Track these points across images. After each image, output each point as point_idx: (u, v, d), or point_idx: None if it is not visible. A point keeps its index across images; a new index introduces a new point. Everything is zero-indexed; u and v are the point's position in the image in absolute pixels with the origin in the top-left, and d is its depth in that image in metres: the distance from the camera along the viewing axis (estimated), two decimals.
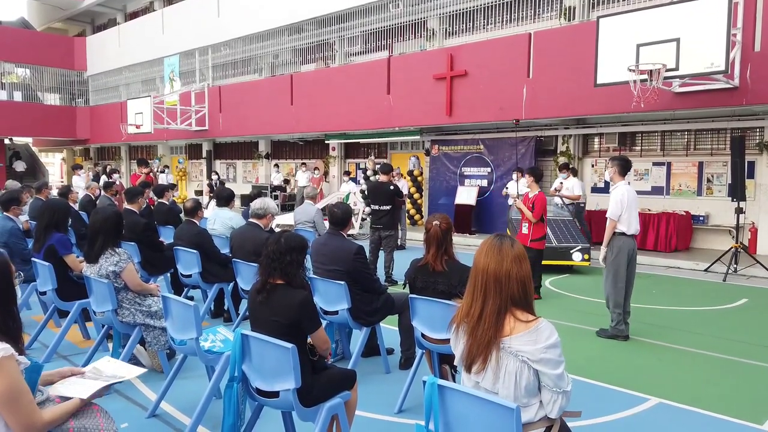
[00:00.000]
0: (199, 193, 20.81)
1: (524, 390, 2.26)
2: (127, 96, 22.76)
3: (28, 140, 30.08)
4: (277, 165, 19.66)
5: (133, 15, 25.70)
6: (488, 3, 13.49)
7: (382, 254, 8.50)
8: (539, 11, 13.07)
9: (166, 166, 19.65)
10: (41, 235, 4.93)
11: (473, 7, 13.82)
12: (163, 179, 18.63)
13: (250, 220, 5.21)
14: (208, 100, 19.44)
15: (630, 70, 8.47)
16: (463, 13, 14.10)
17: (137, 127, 18.51)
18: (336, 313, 4.54)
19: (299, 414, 2.85)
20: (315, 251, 4.70)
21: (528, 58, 12.02)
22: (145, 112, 18.36)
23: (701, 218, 11.37)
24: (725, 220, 10.89)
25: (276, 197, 18.08)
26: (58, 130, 25.68)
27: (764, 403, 4.24)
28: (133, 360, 4.63)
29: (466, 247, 12.59)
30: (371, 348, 4.84)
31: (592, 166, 13.15)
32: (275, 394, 2.86)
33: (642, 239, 11.26)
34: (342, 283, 4.39)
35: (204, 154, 22.47)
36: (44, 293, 4.94)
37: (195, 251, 5.70)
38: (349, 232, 13.52)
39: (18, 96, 25.34)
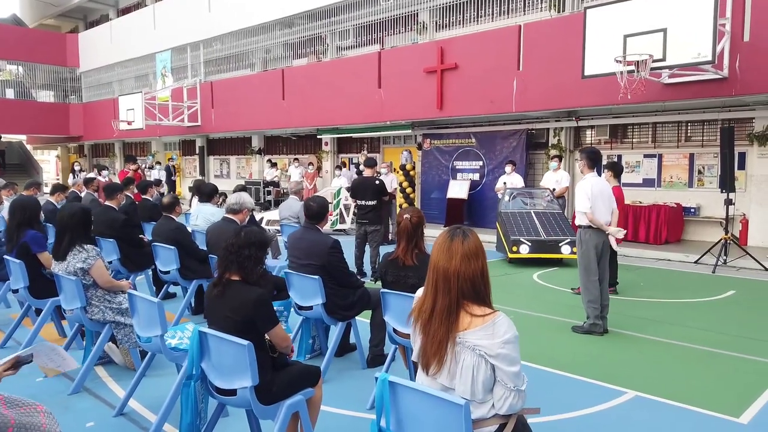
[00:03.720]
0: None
1: (481, 385, 2.20)
2: (120, 92, 22.63)
3: (22, 138, 30.00)
4: (270, 161, 19.58)
5: (126, 11, 25.55)
6: None
7: (368, 249, 8.44)
8: (530, 3, 12.96)
9: (158, 162, 19.54)
10: (14, 233, 4.87)
11: None
12: (155, 175, 18.59)
13: (226, 215, 5.15)
14: (200, 96, 19.36)
15: (617, 61, 8.40)
16: (453, 5, 14.00)
17: (129, 123, 18.42)
18: (311, 308, 4.49)
19: (257, 412, 2.80)
20: (290, 245, 4.64)
21: (518, 50, 11.94)
22: (137, 108, 18.27)
23: (692, 210, 11.32)
24: (716, 212, 10.83)
25: (269, 192, 18.04)
26: (51, 128, 25.58)
27: (743, 395, 4.19)
28: (106, 358, 4.59)
29: None
30: (346, 343, 4.79)
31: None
32: (234, 392, 2.81)
33: (632, 231, 11.22)
34: (316, 277, 4.34)
35: (197, 150, 22.40)
36: (17, 291, 4.88)
37: (173, 247, 5.64)
38: (342, 227, 13.58)
39: (10, 93, 25.23)
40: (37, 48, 25.13)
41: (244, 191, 9.12)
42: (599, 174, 6.52)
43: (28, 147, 31.43)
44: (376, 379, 2.27)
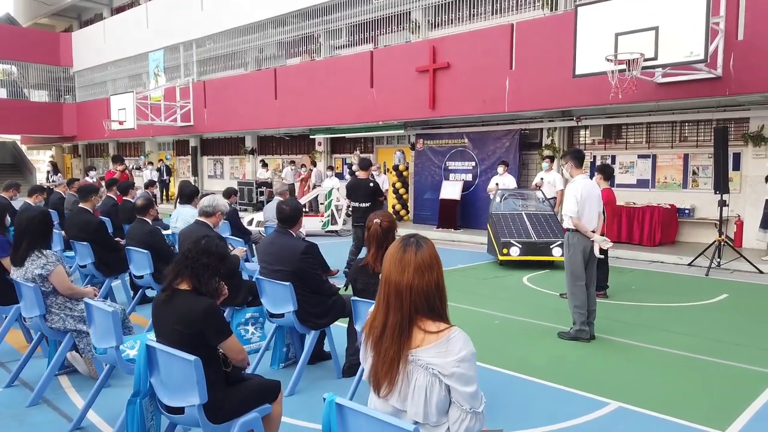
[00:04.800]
0: None
1: (435, 407, 2.04)
2: (114, 92, 22.47)
3: (16, 138, 29.83)
4: (263, 161, 19.42)
5: (119, 10, 25.39)
6: None
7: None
8: (523, 1, 12.79)
9: (150, 163, 19.37)
10: None
11: None
12: (147, 176, 18.44)
13: (198, 218, 4.98)
14: (192, 96, 19.19)
15: (608, 60, 8.24)
16: (446, 4, 13.85)
17: (120, 123, 18.26)
18: (283, 315, 4.32)
19: None
20: (261, 250, 4.48)
21: (510, 49, 11.79)
22: (128, 107, 18.11)
23: (687, 211, 11.16)
24: (711, 213, 10.66)
25: (262, 193, 17.88)
26: (44, 127, 25.42)
27: (730, 406, 4.03)
28: (70, 367, 4.43)
29: (451, 242, 12.42)
30: (321, 351, 4.63)
31: None
32: (182, 410, 2.64)
33: (626, 233, 11.08)
34: (287, 284, 4.17)
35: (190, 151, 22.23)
36: None
37: (146, 251, 5.47)
38: (334, 228, 13.42)
39: (3, 93, 25.07)
40: (30, 47, 24.97)
41: (235, 194, 9.07)
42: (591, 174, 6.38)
43: (23, 147, 31.26)
44: (323, 399, 2.10)
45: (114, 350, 3.28)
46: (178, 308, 2.67)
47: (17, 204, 8.03)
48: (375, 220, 3.59)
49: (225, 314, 4.96)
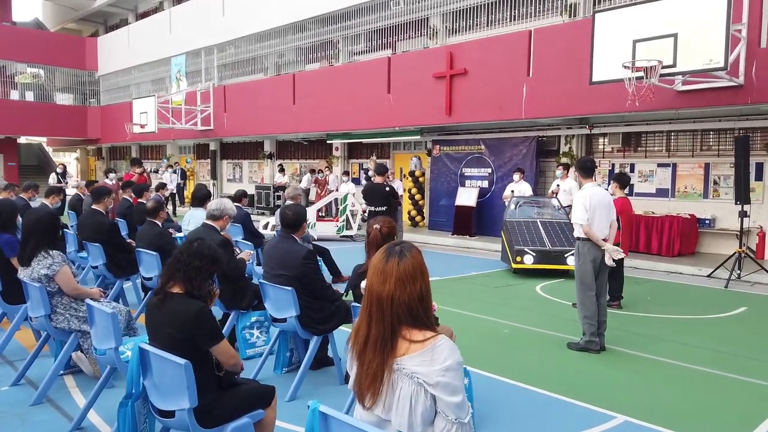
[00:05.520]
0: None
1: (420, 417, 1.99)
2: (137, 96, 22.82)
3: (42, 140, 30.46)
4: (281, 165, 19.54)
5: (144, 15, 25.82)
6: (490, 0, 13.17)
7: None
8: (542, 8, 12.69)
9: (170, 166, 19.60)
10: None
11: (475, 4, 13.51)
12: (167, 179, 18.66)
13: (206, 221, 5.00)
14: (213, 100, 19.40)
15: (625, 67, 8.12)
16: (465, 10, 13.80)
17: (142, 126, 18.52)
18: (285, 320, 4.31)
19: None
20: (264, 255, 4.48)
21: (528, 56, 11.70)
22: (150, 111, 18.37)
23: (707, 221, 10.92)
24: (732, 224, 10.42)
25: (278, 197, 17.96)
26: (69, 130, 25.93)
27: (743, 423, 3.90)
28: (75, 367, 4.46)
29: (466, 249, 12.33)
30: (324, 356, 4.60)
31: (595, 167, 12.72)
32: (174, 414, 2.64)
33: (645, 243, 10.90)
34: (289, 289, 4.16)
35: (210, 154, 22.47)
36: None
37: (155, 253, 5.51)
38: (349, 233, 13.44)
39: (30, 96, 25.62)
40: (57, 51, 25.51)
41: (245, 197, 9.13)
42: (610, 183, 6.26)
43: (49, 149, 31.90)
44: (307, 406, 2.08)
45: (113, 351, 3.30)
46: (170, 311, 2.67)
47: (35, 205, 8.16)
48: (375, 226, 3.56)
49: (231, 318, 4.98)
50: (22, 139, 28.75)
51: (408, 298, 1.97)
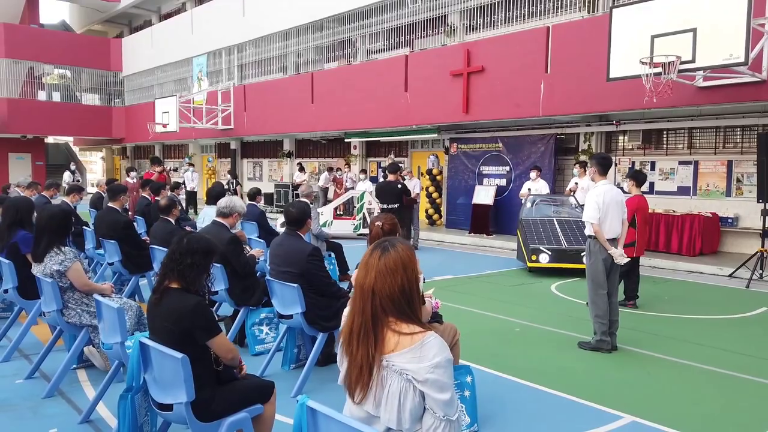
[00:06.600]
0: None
1: (409, 414, 2.00)
2: (161, 96, 23.17)
3: (69, 139, 31.11)
4: (300, 164, 19.65)
5: (167, 16, 26.19)
6: None
7: None
8: (561, 4, 12.55)
9: (192, 164, 19.86)
10: (5, 233, 4.91)
11: (494, 1, 13.41)
12: (188, 177, 18.90)
13: (215, 219, 5.06)
14: (233, 99, 19.60)
15: (642, 63, 7.98)
16: (483, 7, 13.71)
17: (164, 126, 18.80)
18: (291, 317, 4.34)
19: (194, 430, 2.65)
20: (271, 252, 4.52)
21: (546, 52, 11.59)
22: (171, 111, 18.64)
23: (730, 220, 10.70)
24: (756, 223, 10.19)
25: (297, 196, 18.07)
26: (95, 130, 26.45)
27: (755, 425, 3.82)
28: (88, 361, 4.56)
29: (482, 248, 12.26)
30: (331, 352, 4.63)
31: (615, 165, 12.55)
32: (172, 407, 2.68)
33: (665, 241, 10.71)
34: (295, 285, 4.19)
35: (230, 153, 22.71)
36: (6, 291, 4.91)
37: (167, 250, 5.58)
38: (365, 232, 13.48)
39: (57, 96, 26.18)
40: (83, 53, 26.04)
41: (259, 195, 9.21)
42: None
43: (75, 148, 32.56)
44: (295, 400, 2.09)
45: (119, 346, 3.36)
46: (167, 307, 2.72)
47: (56, 203, 8.35)
48: (377, 223, 3.56)
49: (240, 314, 5.03)
50: (50, 139, 29.38)
51: (389, 290, 1.99)
